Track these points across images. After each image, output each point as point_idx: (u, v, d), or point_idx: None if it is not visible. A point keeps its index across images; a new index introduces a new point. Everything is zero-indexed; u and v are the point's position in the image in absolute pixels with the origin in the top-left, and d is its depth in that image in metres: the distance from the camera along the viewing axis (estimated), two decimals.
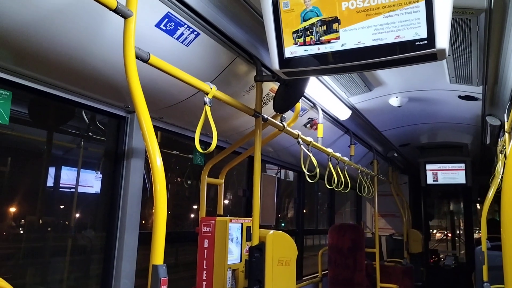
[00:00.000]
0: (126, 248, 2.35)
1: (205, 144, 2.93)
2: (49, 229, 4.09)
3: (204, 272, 2.54)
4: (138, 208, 2.46)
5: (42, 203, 3.93)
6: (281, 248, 2.31)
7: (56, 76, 1.95)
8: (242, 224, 2.69)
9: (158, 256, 1.35)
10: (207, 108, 1.95)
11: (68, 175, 4.53)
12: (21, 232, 4.26)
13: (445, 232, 9.83)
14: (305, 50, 1.80)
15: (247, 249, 2.62)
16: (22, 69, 1.83)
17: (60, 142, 3.90)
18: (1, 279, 0.79)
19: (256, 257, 2.23)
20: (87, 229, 4.23)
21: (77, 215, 4.36)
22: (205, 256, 2.57)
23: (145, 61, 1.62)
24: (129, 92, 1.50)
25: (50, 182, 4.21)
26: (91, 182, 4.41)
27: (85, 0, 1.40)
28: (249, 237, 2.65)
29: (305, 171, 2.95)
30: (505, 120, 2.91)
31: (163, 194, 1.40)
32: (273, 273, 2.22)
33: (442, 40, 1.59)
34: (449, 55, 2.71)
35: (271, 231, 2.30)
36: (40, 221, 4.06)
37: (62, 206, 4.54)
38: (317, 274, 5.12)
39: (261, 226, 2.37)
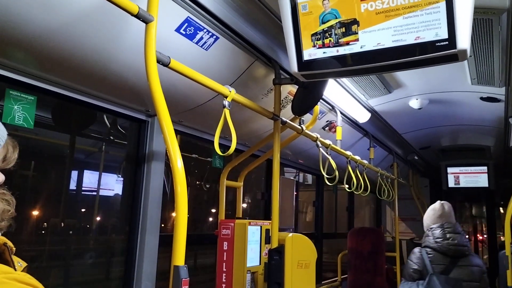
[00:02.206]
0: (147, 250, 2.37)
1: (224, 147, 2.95)
2: (70, 232, 4.17)
3: (224, 274, 2.55)
4: (158, 210, 2.49)
5: (64, 206, 4.01)
6: (300, 251, 2.31)
7: (79, 81, 1.99)
8: (261, 226, 2.69)
9: (179, 257, 1.37)
10: (226, 111, 1.96)
11: (89, 179, 4.61)
12: (44, 233, 4.35)
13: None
14: (324, 53, 1.80)
15: (266, 252, 2.62)
16: (46, 74, 1.88)
17: (82, 146, 3.99)
18: (31, 277, 0.81)
19: (275, 260, 2.23)
20: (108, 231, 4.30)
21: (99, 218, 4.43)
22: (225, 259, 2.58)
23: (166, 65, 1.65)
24: (149, 96, 1.53)
25: (72, 185, 4.30)
26: (112, 185, 4.49)
27: (107, 6, 1.43)
28: (268, 240, 2.65)
29: (324, 174, 2.93)
30: None
31: (184, 197, 1.41)
32: (293, 276, 2.22)
33: (463, 41, 1.57)
34: (470, 56, 2.67)
35: (290, 234, 2.30)
36: (63, 224, 4.14)
37: (83, 209, 4.62)
38: (337, 278, 5.08)
39: (280, 229, 2.37)
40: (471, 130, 4.86)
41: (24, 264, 0.91)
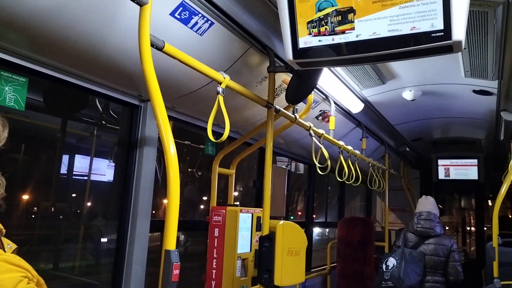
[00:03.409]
0: (138, 235, 2.38)
1: (216, 134, 2.94)
2: (60, 216, 4.15)
3: (214, 260, 2.57)
4: (150, 196, 2.49)
5: (55, 190, 3.99)
6: (291, 238, 2.32)
7: (71, 63, 1.97)
8: (252, 214, 2.70)
9: (170, 241, 1.37)
10: (220, 98, 1.95)
11: (81, 163, 4.58)
12: (34, 218, 4.33)
13: (456, 228, 9.77)
14: (319, 41, 1.79)
15: (257, 239, 2.64)
16: (38, 55, 1.85)
17: (73, 130, 3.95)
18: (21, 259, 0.81)
19: (266, 247, 2.25)
20: (98, 216, 4.29)
21: (90, 202, 4.42)
22: (215, 245, 2.59)
23: (160, 49, 1.63)
24: (143, 81, 1.51)
25: (63, 169, 4.27)
26: (103, 170, 4.46)
27: None
28: (259, 227, 2.67)
29: (316, 163, 2.95)
30: None
31: (176, 182, 1.41)
32: (283, 263, 2.23)
33: (459, 32, 1.57)
34: (464, 48, 2.67)
35: (282, 221, 2.31)
36: (53, 208, 4.12)
37: (74, 194, 4.60)
38: (326, 267, 5.14)
39: (271, 217, 2.38)
40: (462, 123, 4.89)
41: (14, 246, 0.90)
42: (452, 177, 6.09)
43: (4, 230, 0.88)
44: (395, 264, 3.79)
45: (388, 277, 3.76)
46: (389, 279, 3.75)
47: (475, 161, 5.90)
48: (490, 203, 8.06)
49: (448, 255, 3.88)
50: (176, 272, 1.35)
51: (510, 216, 7.28)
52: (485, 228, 7.64)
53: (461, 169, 6.03)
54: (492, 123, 4.50)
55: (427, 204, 4.16)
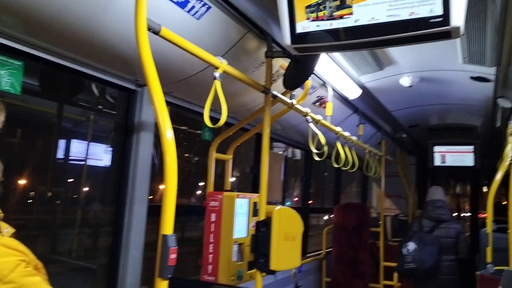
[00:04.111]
0: (135, 220, 2.39)
1: (213, 119, 2.94)
2: (58, 201, 4.16)
3: (211, 245, 2.59)
4: (147, 181, 2.49)
5: (52, 175, 3.99)
6: (287, 223, 2.34)
7: (67, 47, 1.95)
8: (249, 199, 2.72)
9: (167, 226, 1.38)
10: (217, 83, 1.95)
11: (77, 148, 4.58)
12: (31, 202, 4.34)
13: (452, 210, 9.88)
14: (317, 26, 1.78)
15: (254, 224, 2.66)
16: (34, 39, 1.83)
17: (70, 115, 3.94)
18: (19, 242, 0.81)
19: (262, 232, 2.27)
20: (96, 201, 4.30)
21: (87, 187, 4.43)
22: (212, 230, 2.61)
23: (156, 33, 1.62)
24: (139, 65, 1.50)
25: (60, 154, 4.27)
26: (100, 155, 4.46)
27: None
28: (255, 213, 2.69)
29: (313, 149, 2.95)
30: None
31: (173, 167, 1.41)
32: (279, 247, 2.26)
33: (458, 18, 1.56)
34: (463, 34, 2.66)
35: (278, 207, 2.33)
36: (50, 193, 4.12)
37: (71, 179, 4.61)
38: (321, 252, 5.19)
39: (267, 203, 2.39)
40: (459, 110, 4.90)
41: (12, 230, 0.91)
42: (448, 163, 6.10)
43: (2, 214, 0.88)
44: (415, 247, 4.30)
45: (410, 259, 4.26)
46: (411, 261, 4.25)
47: (471, 147, 5.92)
48: (485, 190, 8.12)
49: (458, 237, 4.51)
50: (173, 256, 1.36)
51: (504, 203, 7.34)
52: (479, 215, 7.71)
53: (457, 156, 6.04)
54: (488, 110, 4.50)
55: (437, 193, 4.79)
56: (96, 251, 3.66)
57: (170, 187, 1.40)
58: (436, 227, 4.55)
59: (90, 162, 4.56)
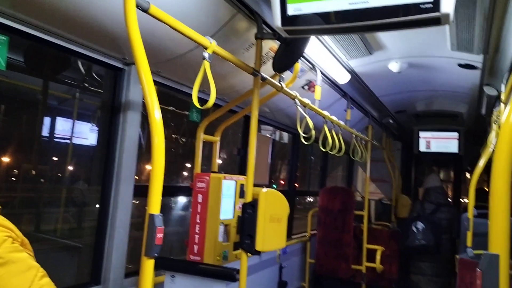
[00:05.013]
0: (121, 199, 2.39)
1: (201, 101, 2.92)
2: (42, 179, 4.13)
3: (197, 225, 2.61)
4: (134, 161, 2.48)
5: (36, 152, 3.95)
6: (273, 206, 2.36)
7: (53, 22, 1.91)
8: (236, 181, 2.73)
9: (154, 206, 1.38)
10: (206, 64, 1.93)
11: (63, 126, 4.52)
12: (15, 180, 4.29)
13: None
14: (309, 8, 1.77)
15: (240, 206, 2.68)
16: (19, 13, 1.79)
17: (55, 92, 3.88)
18: (5, 218, 0.81)
19: (249, 213, 2.29)
20: (81, 180, 4.28)
21: (72, 166, 4.39)
22: (199, 211, 2.62)
23: (145, 10, 1.59)
24: (127, 43, 1.48)
25: (45, 132, 4.21)
26: (86, 133, 4.42)
27: None
28: (242, 194, 2.70)
29: (301, 133, 2.96)
30: (502, 90, 2.92)
31: (161, 148, 1.41)
32: (265, 229, 2.28)
33: (447, 5, 1.56)
34: (452, 21, 2.67)
35: (265, 189, 2.34)
36: (34, 171, 4.08)
37: (56, 157, 4.56)
38: (306, 234, 5.26)
39: (254, 185, 2.41)
40: (446, 96, 4.94)
41: None
42: (432, 149, 6.19)
43: None
44: (423, 226, 4.96)
45: (420, 236, 4.90)
46: (422, 238, 4.89)
47: (455, 134, 6.00)
48: (467, 176, 8.27)
49: (453, 219, 5.27)
50: (159, 235, 1.37)
51: (486, 189, 7.49)
52: (461, 200, 7.87)
53: (442, 142, 6.13)
54: (474, 97, 4.56)
55: (436, 181, 5.62)
56: (81, 229, 3.66)
57: (157, 167, 1.40)
58: (437, 210, 5.29)
59: (76, 141, 4.52)
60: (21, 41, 2.19)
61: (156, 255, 1.38)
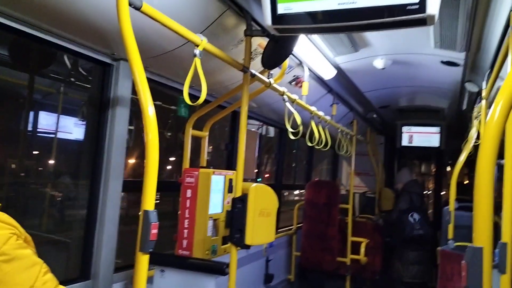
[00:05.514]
0: (110, 194, 2.39)
1: (190, 96, 2.94)
2: (22, 174, 4.08)
3: (186, 220, 2.63)
4: (122, 156, 2.49)
5: (19, 147, 3.90)
6: (263, 200, 2.40)
7: (41, 18, 1.89)
8: (224, 176, 2.76)
9: (149, 202, 1.41)
10: (197, 61, 1.95)
11: (46, 120, 4.46)
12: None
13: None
14: (299, 7, 1.80)
15: (229, 201, 2.71)
16: (3, 7, 1.77)
17: (39, 86, 3.83)
18: (9, 216, 0.83)
19: (238, 208, 2.32)
20: (66, 175, 4.24)
21: (57, 161, 4.35)
22: (188, 206, 2.65)
23: (138, 8, 1.60)
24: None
25: (28, 126, 4.15)
26: (70, 128, 4.37)
27: None
28: (231, 189, 2.74)
29: (289, 128, 3.00)
30: (483, 87, 3.01)
31: (154, 144, 1.43)
32: (254, 223, 2.32)
33: (433, 6, 1.61)
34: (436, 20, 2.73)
35: (254, 184, 2.38)
36: (14, 166, 4.03)
37: (39, 152, 4.51)
38: (292, 227, 5.33)
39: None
40: (428, 92, 5.05)
41: None
42: (415, 144, 6.31)
43: None
44: (419, 217, 5.24)
45: (418, 226, 5.16)
46: (420, 228, 5.16)
47: (437, 129, 6.13)
48: (448, 169, 8.45)
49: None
50: (154, 231, 1.40)
51: (466, 182, 7.68)
52: (442, 193, 8.04)
53: (424, 136, 6.26)
54: (456, 93, 4.67)
55: (410, 175, 5.96)
56: (67, 224, 3.64)
57: (151, 163, 1.42)
58: (422, 202, 5.71)
59: (60, 135, 4.47)
60: (6, 35, 2.17)
61: (151, 250, 1.40)
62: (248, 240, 2.31)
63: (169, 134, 6.09)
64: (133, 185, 2.87)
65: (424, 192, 5.90)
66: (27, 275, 0.79)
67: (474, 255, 0.95)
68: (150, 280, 2.36)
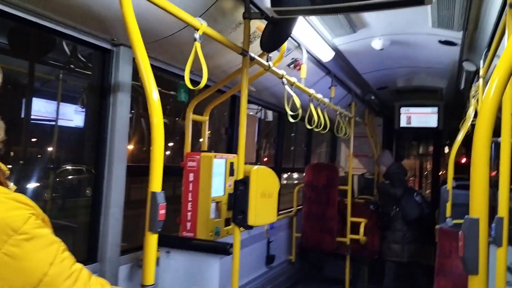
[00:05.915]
0: (115, 179, 2.43)
1: (190, 81, 2.95)
2: (21, 161, 4.11)
3: (189, 203, 2.68)
4: (125, 141, 2.52)
5: (21, 134, 3.92)
6: (264, 182, 2.44)
7: (39, 3, 1.89)
8: (226, 160, 2.80)
9: (156, 184, 1.44)
10: (197, 45, 1.96)
11: (46, 108, 4.47)
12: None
13: (414, 172, 10.33)
14: None
15: (230, 184, 2.75)
16: None
17: (39, 74, 3.83)
18: (27, 197, 0.86)
19: (240, 190, 2.36)
20: (68, 161, 4.27)
21: (58, 148, 4.38)
22: (190, 189, 2.69)
23: None
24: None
25: (29, 114, 4.16)
26: (70, 115, 4.38)
27: None
28: (232, 172, 2.78)
29: (288, 111, 3.03)
30: (481, 66, 3.02)
31: (160, 128, 1.46)
32: (257, 205, 2.37)
33: None
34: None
35: (256, 166, 2.42)
36: (11, 153, 4.05)
37: (41, 139, 4.53)
38: (292, 209, 5.40)
39: None
40: (426, 72, 5.05)
41: (14, 186, 0.95)
42: (413, 124, 6.34)
43: (8, 172, 0.92)
44: (422, 197, 5.38)
45: (424, 205, 5.27)
46: (425, 207, 5.27)
47: (435, 109, 6.15)
48: (446, 150, 8.51)
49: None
50: (162, 212, 1.44)
51: (463, 161, 7.74)
52: (440, 173, 8.11)
53: (422, 117, 6.28)
54: (454, 73, 4.68)
55: (391, 158, 5.70)
56: (72, 209, 3.69)
57: (157, 147, 1.45)
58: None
59: (61, 123, 4.48)
60: (4, 22, 2.17)
61: (160, 230, 1.45)
62: (250, 221, 2.36)
63: (166, 121, 6.11)
64: (137, 170, 2.92)
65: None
66: (46, 253, 0.83)
67: (471, 226, 0.99)
68: (156, 261, 2.42)
